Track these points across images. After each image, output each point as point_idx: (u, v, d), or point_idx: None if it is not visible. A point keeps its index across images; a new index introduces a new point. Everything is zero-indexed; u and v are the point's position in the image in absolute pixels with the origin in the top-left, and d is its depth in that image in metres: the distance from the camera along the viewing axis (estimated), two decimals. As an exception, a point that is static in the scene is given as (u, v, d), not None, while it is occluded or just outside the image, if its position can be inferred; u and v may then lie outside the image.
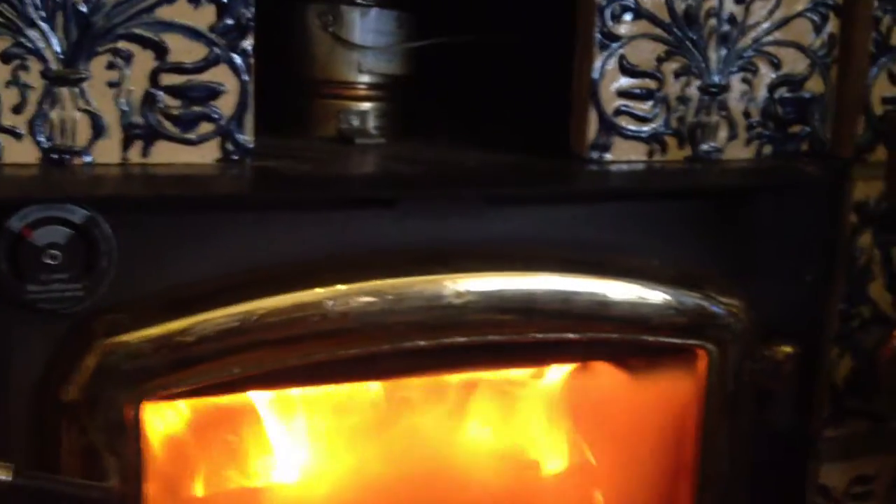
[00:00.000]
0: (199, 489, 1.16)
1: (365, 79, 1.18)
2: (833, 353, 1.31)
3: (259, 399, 1.17)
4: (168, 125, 0.99)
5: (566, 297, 1.13)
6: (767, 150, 1.24)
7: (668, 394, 1.24)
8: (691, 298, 1.20)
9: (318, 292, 1.04)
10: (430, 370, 1.17)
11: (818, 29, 1.24)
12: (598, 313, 1.15)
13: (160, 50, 0.98)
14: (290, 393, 1.18)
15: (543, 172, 1.17)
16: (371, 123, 1.19)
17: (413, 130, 1.25)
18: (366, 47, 1.16)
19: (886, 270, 1.30)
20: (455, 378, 1.22)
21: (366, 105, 1.19)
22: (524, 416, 1.28)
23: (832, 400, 1.33)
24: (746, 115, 1.22)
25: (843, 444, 1.35)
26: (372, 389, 1.19)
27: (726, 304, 1.21)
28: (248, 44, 1.01)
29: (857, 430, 1.35)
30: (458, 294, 1.08)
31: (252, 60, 1.01)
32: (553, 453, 1.31)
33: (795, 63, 1.24)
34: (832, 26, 1.24)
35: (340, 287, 1.04)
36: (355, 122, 1.18)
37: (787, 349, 1.23)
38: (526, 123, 1.29)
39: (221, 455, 1.17)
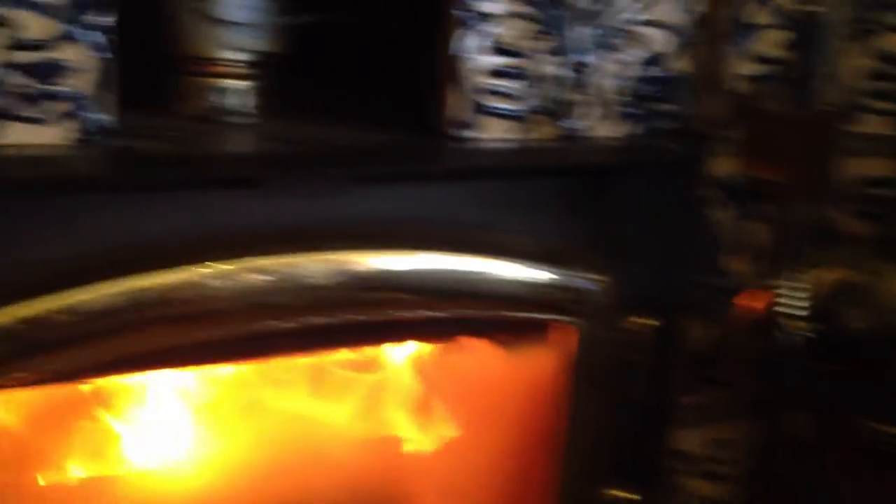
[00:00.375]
0: (49, 479, 1.11)
1: (234, 56, 1.13)
2: (691, 323, 1.36)
3: (114, 384, 1.13)
4: (19, 105, 0.94)
5: (434, 276, 1.12)
6: (635, 128, 1.27)
7: (537, 368, 1.26)
8: (559, 274, 1.21)
9: (180, 274, 1.01)
10: (299, 350, 1.15)
11: (685, 8, 1.26)
12: (468, 291, 1.16)
13: (9, 26, 0.92)
14: (147, 377, 1.14)
15: (410, 151, 1.16)
16: (240, 101, 1.15)
17: (287, 109, 1.21)
18: (235, 23, 1.11)
19: (744, 243, 1.35)
20: (325, 358, 1.21)
21: (235, 83, 1.14)
22: (395, 394, 1.29)
23: (690, 369, 1.39)
24: (615, 93, 1.24)
25: (700, 410, 1.41)
26: (237, 372, 1.17)
27: (593, 280, 1.23)
28: (107, 20, 0.96)
29: (712, 397, 1.41)
30: (327, 274, 1.07)
31: (113, 37, 0.96)
32: (425, 430, 1.32)
33: (663, 42, 1.26)
34: (699, 6, 1.27)
35: (204, 269, 1.01)
36: (224, 101, 1.14)
37: (650, 322, 1.27)
38: (402, 101, 1.28)
39: (73, 443, 1.13)
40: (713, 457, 1.42)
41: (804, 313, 1.23)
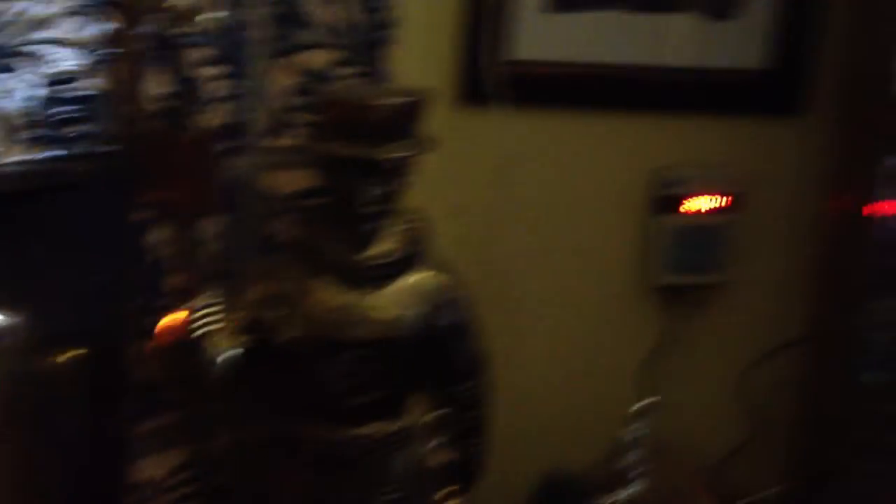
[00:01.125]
0: None
1: None
2: (139, 347, 1.33)
3: None
4: None
5: None
6: (50, 150, 1.21)
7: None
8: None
9: None
10: None
11: (93, 25, 1.22)
12: None
13: None
14: None
15: None
16: None
17: None
18: None
19: (176, 263, 1.34)
20: None
21: None
22: None
23: (143, 394, 1.35)
24: (22, 115, 1.17)
25: (159, 435, 1.38)
26: None
27: (6, 318, 1.16)
28: None
29: (167, 421, 1.37)
30: None
31: None
32: None
33: (72, 60, 1.21)
34: (109, 23, 1.23)
35: None
36: None
37: (79, 352, 1.22)
38: None
39: None
40: (177, 480, 1.40)
41: (232, 328, 1.24)
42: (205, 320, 1.17)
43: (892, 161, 1.54)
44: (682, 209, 1.66)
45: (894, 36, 1.50)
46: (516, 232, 1.57)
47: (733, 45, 1.61)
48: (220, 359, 1.23)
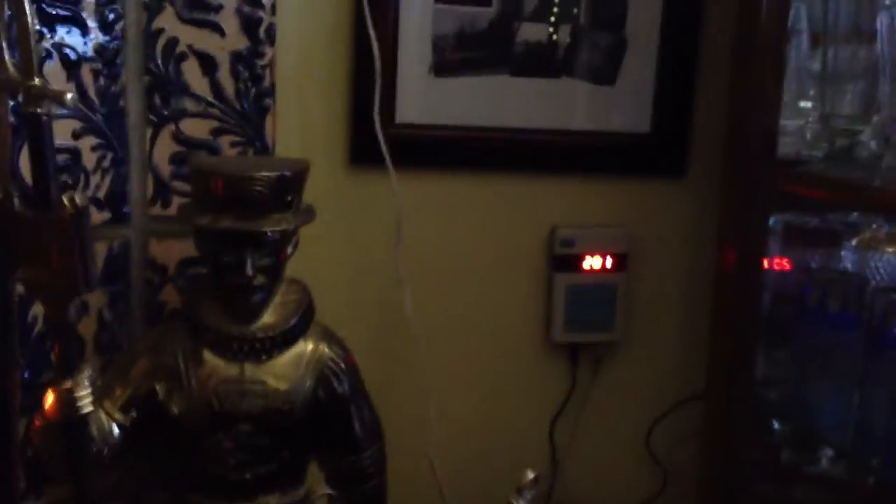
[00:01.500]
0: None
1: None
2: (25, 421, 1.28)
3: None
4: None
5: None
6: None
7: None
8: None
9: None
10: None
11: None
12: None
13: None
14: None
15: None
16: None
17: None
18: None
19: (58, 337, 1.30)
20: None
21: None
22: None
23: (31, 469, 1.32)
24: None
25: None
26: None
27: None
28: None
29: (57, 496, 1.34)
30: None
31: None
32: None
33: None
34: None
35: None
36: None
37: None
38: None
39: None
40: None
41: (119, 401, 1.22)
42: (90, 395, 1.14)
43: (778, 218, 1.58)
44: (580, 268, 1.68)
45: (778, 95, 1.53)
46: (414, 293, 1.57)
47: (617, 109, 1.64)
48: (107, 433, 1.21)
